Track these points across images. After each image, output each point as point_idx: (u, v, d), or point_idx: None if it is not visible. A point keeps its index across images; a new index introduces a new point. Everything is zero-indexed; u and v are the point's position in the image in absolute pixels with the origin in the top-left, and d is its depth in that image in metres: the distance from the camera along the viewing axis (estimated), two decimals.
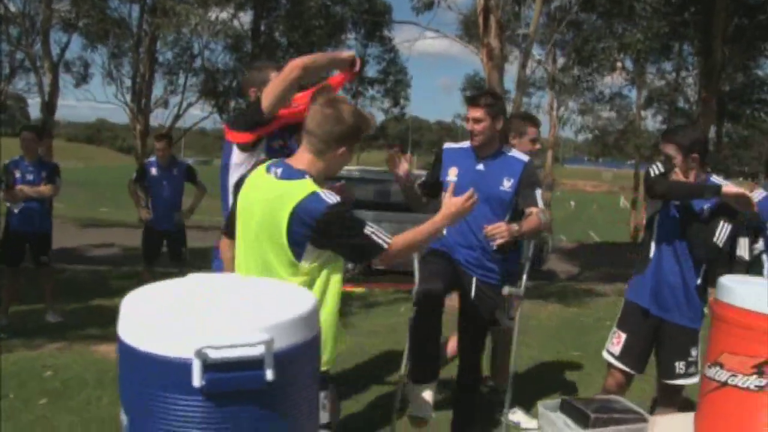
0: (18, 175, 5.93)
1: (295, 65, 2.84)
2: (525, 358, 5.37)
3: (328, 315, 2.19)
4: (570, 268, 14.03)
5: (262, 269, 2.20)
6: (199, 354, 1.19)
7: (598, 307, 7.69)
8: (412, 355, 3.31)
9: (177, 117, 20.25)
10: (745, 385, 1.85)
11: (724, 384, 1.91)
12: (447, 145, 3.63)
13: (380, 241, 2.19)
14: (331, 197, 2.14)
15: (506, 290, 3.46)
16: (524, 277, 3.70)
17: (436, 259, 3.39)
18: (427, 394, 3.26)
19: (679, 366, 3.22)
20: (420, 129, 76.24)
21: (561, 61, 21.89)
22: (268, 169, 2.27)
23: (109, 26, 18.52)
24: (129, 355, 1.30)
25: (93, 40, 19.90)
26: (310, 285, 2.14)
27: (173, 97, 20.44)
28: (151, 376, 1.25)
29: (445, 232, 3.46)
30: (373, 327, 6.21)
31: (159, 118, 20.88)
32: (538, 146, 4.07)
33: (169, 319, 1.27)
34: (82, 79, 22.18)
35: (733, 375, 1.88)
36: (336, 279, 2.23)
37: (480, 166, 3.42)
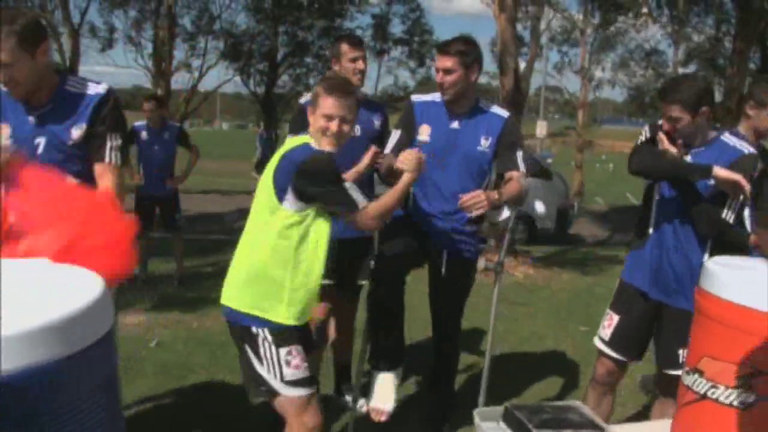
0: None
1: None
2: (526, 333, 4.96)
3: (302, 274, 2.27)
4: (599, 232, 13.47)
5: (253, 221, 2.34)
6: None
7: (616, 275, 7.18)
8: (372, 338, 2.94)
9: (199, 79, 19.92)
10: (727, 401, 1.42)
11: (704, 396, 1.48)
12: (416, 97, 3.16)
13: (356, 198, 2.27)
14: (320, 149, 2.27)
15: (482, 264, 3.05)
16: (503, 249, 3.25)
17: (400, 229, 2.98)
18: (389, 383, 2.89)
19: (683, 354, 2.77)
20: None
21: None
22: None
23: None
24: None
25: (112, 5, 19.74)
26: (287, 234, 2.24)
27: (195, 61, 20.16)
28: None
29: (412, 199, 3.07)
30: None
31: (181, 82, 20.48)
32: None
33: None
34: (108, 44, 22.03)
35: (714, 387, 1.45)
36: (318, 234, 2.27)
37: (455, 124, 3.00)
